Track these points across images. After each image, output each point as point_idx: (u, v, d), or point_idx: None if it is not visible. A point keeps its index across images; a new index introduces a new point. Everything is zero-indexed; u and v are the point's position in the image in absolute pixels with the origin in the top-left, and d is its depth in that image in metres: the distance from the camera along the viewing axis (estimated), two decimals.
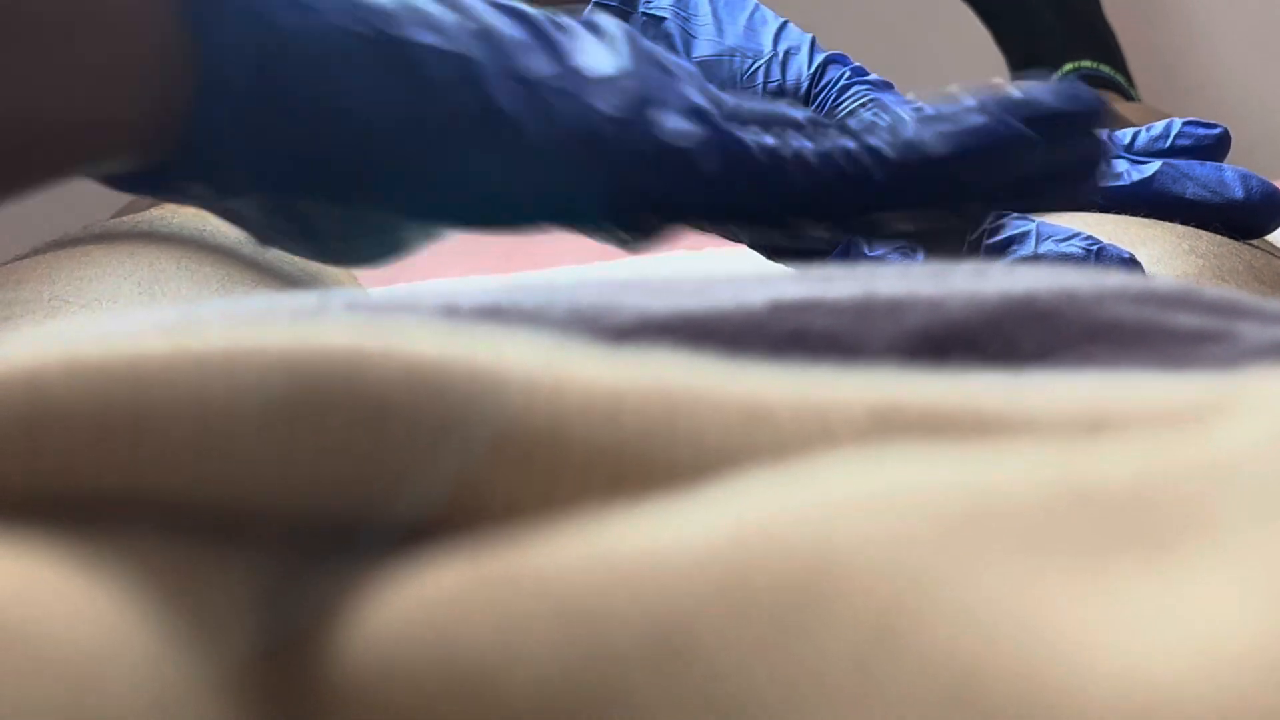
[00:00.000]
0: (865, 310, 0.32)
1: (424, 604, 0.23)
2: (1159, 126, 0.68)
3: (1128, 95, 1.36)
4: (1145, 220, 0.64)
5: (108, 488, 0.24)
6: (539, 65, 0.47)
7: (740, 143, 0.47)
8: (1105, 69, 1.37)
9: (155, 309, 0.62)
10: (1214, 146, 0.68)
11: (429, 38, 0.46)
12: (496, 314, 0.30)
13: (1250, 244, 0.67)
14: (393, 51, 0.45)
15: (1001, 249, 0.60)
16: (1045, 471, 0.23)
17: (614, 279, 0.33)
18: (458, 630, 0.22)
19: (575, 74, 0.47)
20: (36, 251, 0.75)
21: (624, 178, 0.47)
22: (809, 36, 0.65)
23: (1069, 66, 1.37)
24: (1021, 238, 0.59)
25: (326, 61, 0.45)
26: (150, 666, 0.22)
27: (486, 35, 0.46)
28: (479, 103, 0.46)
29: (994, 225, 0.60)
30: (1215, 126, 0.68)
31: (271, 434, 0.24)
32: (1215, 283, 0.61)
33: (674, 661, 0.21)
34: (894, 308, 0.32)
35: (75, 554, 0.24)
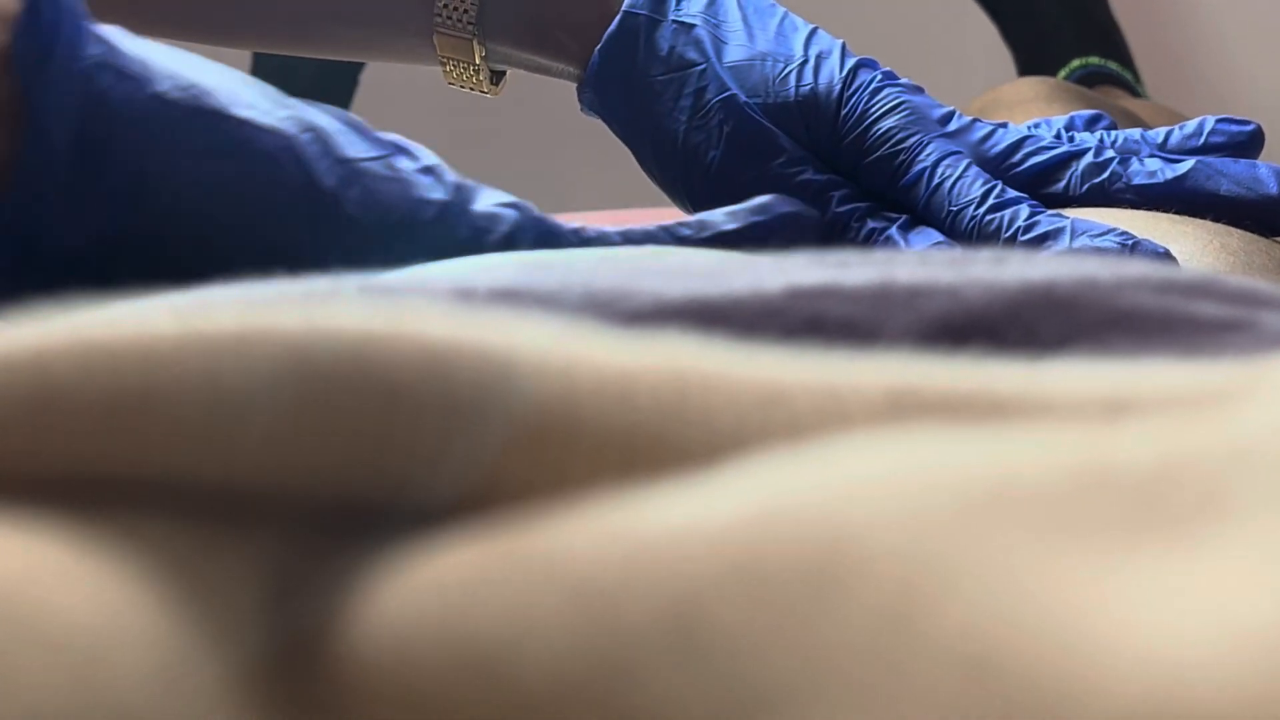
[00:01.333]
0: (883, 297, 0.31)
1: (437, 585, 0.22)
2: (1191, 124, 0.67)
3: (1135, 92, 1.36)
4: (1176, 217, 0.63)
5: (116, 470, 0.24)
6: (357, 148, 0.47)
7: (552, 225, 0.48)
8: (1112, 65, 1.37)
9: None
10: (1247, 143, 0.67)
11: (249, 113, 0.46)
12: (511, 297, 0.30)
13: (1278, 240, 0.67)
14: (212, 122, 0.46)
15: (1036, 245, 0.60)
16: (1064, 454, 0.23)
17: (631, 262, 0.32)
18: (471, 611, 0.22)
19: (391, 158, 0.48)
20: None
21: (444, 256, 0.47)
22: (839, 42, 0.66)
23: (1076, 63, 1.37)
24: (1056, 233, 0.59)
25: (145, 125, 0.45)
26: (158, 648, 0.22)
27: (303, 117, 0.47)
28: (299, 176, 0.46)
29: (1028, 222, 0.60)
30: (1248, 123, 0.67)
31: (281, 416, 0.24)
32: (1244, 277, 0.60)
33: (688, 640, 0.20)
34: (912, 295, 0.31)
35: (83, 536, 0.23)
